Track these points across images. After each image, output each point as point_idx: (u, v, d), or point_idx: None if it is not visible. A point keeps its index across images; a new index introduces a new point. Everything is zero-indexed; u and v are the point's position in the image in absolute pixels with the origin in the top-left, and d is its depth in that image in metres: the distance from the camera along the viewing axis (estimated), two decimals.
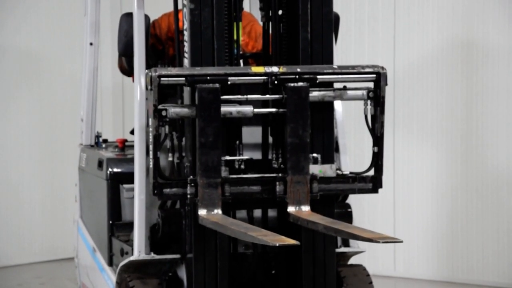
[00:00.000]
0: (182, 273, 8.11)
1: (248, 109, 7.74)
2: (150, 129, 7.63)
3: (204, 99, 7.63)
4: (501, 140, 11.70)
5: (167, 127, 7.59)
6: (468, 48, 11.81)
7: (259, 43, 8.98)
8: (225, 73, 7.66)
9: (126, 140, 9.62)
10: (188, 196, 7.62)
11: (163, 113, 7.52)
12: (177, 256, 8.04)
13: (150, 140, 7.63)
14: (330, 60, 8.17)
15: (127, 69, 9.20)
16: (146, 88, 7.65)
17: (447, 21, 11.95)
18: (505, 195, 11.54)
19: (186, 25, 8.04)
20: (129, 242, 8.55)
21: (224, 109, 7.63)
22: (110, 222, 9.13)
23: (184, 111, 7.65)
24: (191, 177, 7.56)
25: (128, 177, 8.69)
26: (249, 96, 7.77)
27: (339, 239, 8.44)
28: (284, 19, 8.21)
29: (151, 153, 7.62)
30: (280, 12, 8.11)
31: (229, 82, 7.58)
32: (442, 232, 11.96)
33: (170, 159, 8.14)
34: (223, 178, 7.68)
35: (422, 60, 12.03)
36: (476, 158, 11.77)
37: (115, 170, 9.18)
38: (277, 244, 6.56)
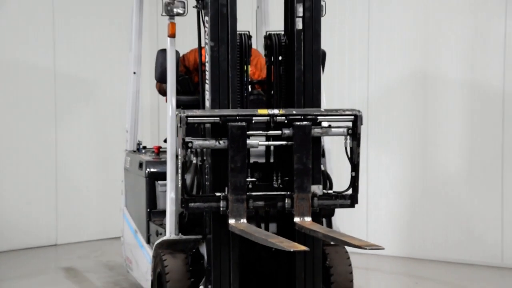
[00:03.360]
0: (203, 249, 8.27)
1: (263, 143, 8.15)
2: (179, 156, 7.86)
3: (234, 134, 7.90)
4: (449, 149, 11.70)
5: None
6: (426, 77, 11.78)
7: (263, 72, 9.06)
8: (237, 114, 7.93)
9: (160, 147, 9.71)
10: (221, 208, 7.88)
11: (189, 145, 7.79)
12: (199, 236, 8.30)
13: (179, 165, 7.85)
14: (318, 87, 8.43)
15: (162, 92, 9.17)
16: (177, 125, 7.89)
17: (410, 55, 11.92)
18: (450, 189, 11.56)
19: (207, 59, 8.23)
20: (162, 225, 8.68)
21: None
22: (148, 210, 9.27)
23: (206, 143, 7.91)
24: (223, 193, 7.84)
25: (162, 176, 8.98)
26: (269, 132, 8.05)
27: (324, 223, 8.70)
28: (283, 63, 8.40)
29: (179, 175, 7.84)
30: (280, 58, 8.30)
31: (253, 121, 7.91)
32: (403, 217, 11.96)
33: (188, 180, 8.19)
34: (248, 195, 7.95)
35: (390, 87, 12.00)
36: (430, 162, 11.76)
37: (152, 170, 9.31)
38: (292, 250, 6.98)
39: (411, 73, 11.97)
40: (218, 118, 7.93)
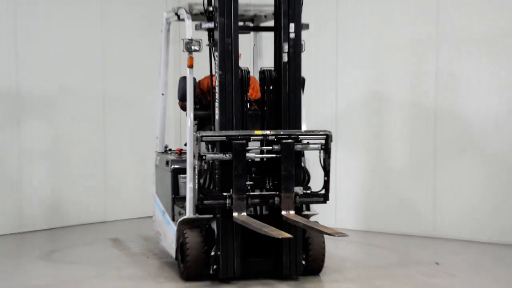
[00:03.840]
0: (214, 226, 8.48)
1: (258, 156, 8.37)
2: (196, 166, 8.14)
3: (237, 149, 8.18)
4: (396, 150, 11.64)
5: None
6: (379, 98, 11.75)
7: (258, 93, 9.03)
8: (239, 134, 8.23)
9: (181, 149, 9.67)
10: (227, 204, 8.17)
11: (204, 157, 8.12)
12: (211, 215, 8.45)
13: (196, 173, 8.16)
14: (299, 105, 8.70)
15: (183, 108, 9.15)
16: (194, 142, 8.19)
17: (367, 82, 11.88)
18: (397, 179, 11.67)
19: (217, 83, 8.46)
20: (184, 207, 8.65)
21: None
22: (173, 196, 9.27)
23: (215, 156, 8.25)
24: (229, 193, 8.16)
25: (183, 171, 9.04)
26: (262, 148, 8.35)
27: (304, 207, 8.81)
28: (273, 90, 8.68)
29: (196, 180, 8.16)
30: (271, 87, 8.59)
31: (251, 140, 8.30)
32: (362, 200, 11.97)
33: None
34: (247, 195, 8.21)
35: (352, 105, 12.02)
36: (382, 160, 11.78)
37: (176, 166, 9.35)
38: (280, 237, 7.52)
39: (368, 95, 11.94)
40: (224, 137, 8.22)
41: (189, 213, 8.46)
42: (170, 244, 9.08)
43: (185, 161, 8.88)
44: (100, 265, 9.45)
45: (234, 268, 8.30)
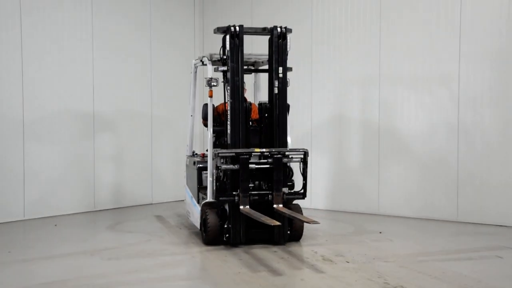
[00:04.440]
0: (226, 207, 8.36)
1: (257, 166, 8.43)
2: (214, 174, 8.34)
3: (242, 162, 8.26)
4: (352, 154, 11.57)
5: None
6: (340, 117, 11.63)
7: (257, 115, 8.97)
8: (243, 151, 8.32)
9: (204, 153, 9.54)
10: (236, 199, 8.24)
11: (219, 167, 8.23)
12: (225, 198, 8.27)
13: (214, 178, 8.31)
14: (285, 124, 8.74)
15: (205, 125, 9.15)
16: (213, 156, 8.42)
17: (332, 104, 11.78)
18: (353, 174, 11.42)
19: (228, 108, 8.48)
20: (206, 194, 8.70)
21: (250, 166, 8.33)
22: (198, 186, 9.24)
23: (228, 167, 8.26)
24: (237, 192, 8.24)
25: (205, 168, 9.05)
26: (260, 161, 8.43)
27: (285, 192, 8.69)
28: (267, 117, 8.80)
29: (214, 182, 8.31)
30: (266, 114, 8.75)
31: (252, 155, 8.35)
32: (330, 188, 11.81)
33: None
34: (249, 194, 8.32)
35: (323, 121, 12.00)
36: (343, 160, 11.62)
37: (200, 165, 9.32)
38: (272, 224, 7.51)
39: (333, 116, 11.85)
40: (234, 153, 8.29)
41: (209, 198, 8.49)
42: (196, 220, 9.06)
43: (206, 161, 8.84)
44: (148, 234, 9.44)
45: (240, 236, 8.34)
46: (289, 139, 8.73)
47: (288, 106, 8.69)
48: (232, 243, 8.32)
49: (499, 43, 9.95)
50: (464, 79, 10.30)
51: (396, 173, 11.10)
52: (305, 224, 8.54)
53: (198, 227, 8.81)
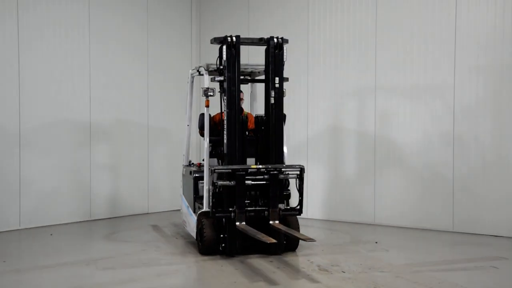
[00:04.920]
0: (221, 218, 8.32)
1: (254, 182, 8.37)
2: (210, 190, 8.25)
3: (238, 178, 8.22)
4: (348, 163, 11.58)
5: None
6: (336, 128, 11.65)
7: (253, 125, 9.01)
8: (240, 167, 8.28)
9: (200, 163, 9.55)
10: (232, 215, 8.18)
11: (216, 183, 8.14)
12: (220, 209, 8.25)
13: (210, 194, 8.22)
14: (281, 133, 8.72)
15: (202, 135, 9.17)
16: (209, 173, 8.45)
17: (327, 117, 11.81)
18: (349, 183, 11.47)
19: (225, 117, 8.45)
20: (202, 204, 8.71)
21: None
22: (194, 195, 9.25)
23: (224, 183, 8.17)
24: (233, 208, 8.17)
25: (201, 178, 8.99)
26: (256, 177, 8.35)
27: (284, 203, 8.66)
28: (263, 129, 8.84)
29: (211, 198, 8.20)
30: (262, 127, 8.81)
31: (249, 170, 8.30)
32: (325, 197, 11.81)
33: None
34: (246, 210, 8.29)
35: (319, 132, 11.91)
36: (338, 169, 11.63)
37: (196, 175, 9.28)
38: (268, 242, 7.47)
39: (329, 125, 11.86)
40: (230, 170, 8.22)
41: (205, 208, 8.49)
42: (192, 229, 9.04)
43: (203, 171, 8.84)
44: (144, 243, 9.43)
45: (236, 246, 8.30)
46: (285, 149, 8.74)
47: (285, 116, 8.69)
48: (228, 253, 8.30)
49: (493, 55, 9.99)
50: (459, 90, 10.33)
51: (392, 183, 11.09)
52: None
53: (194, 236, 8.79)
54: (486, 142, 10.09)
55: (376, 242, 9.45)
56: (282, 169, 8.38)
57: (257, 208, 8.38)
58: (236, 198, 8.20)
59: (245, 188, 8.27)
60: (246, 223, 8.20)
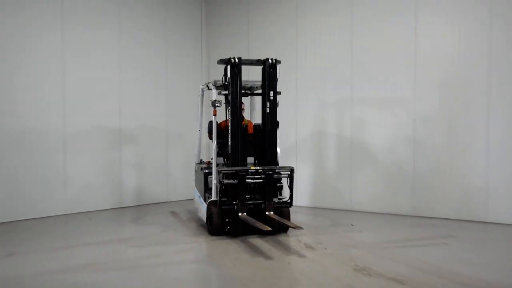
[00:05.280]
0: (226, 206, 8.24)
1: (253, 181, 8.34)
2: (218, 187, 8.20)
3: (240, 178, 8.18)
4: (329, 161, 11.50)
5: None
6: (320, 131, 11.62)
7: (252, 130, 8.91)
8: (241, 169, 8.18)
9: (209, 161, 9.51)
10: (235, 207, 8.12)
11: (222, 182, 8.10)
12: (225, 199, 8.18)
13: (218, 190, 8.18)
14: (275, 137, 8.54)
15: (210, 138, 9.08)
16: (217, 174, 8.35)
17: (312, 124, 11.76)
18: (331, 177, 11.29)
19: (229, 124, 8.45)
20: (211, 194, 8.61)
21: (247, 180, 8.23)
22: (204, 187, 9.10)
23: (228, 182, 8.11)
24: (236, 201, 8.14)
25: (210, 173, 8.94)
26: (255, 176, 8.30)
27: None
28: (260, 135, 8.76)
29: (218, 194, 8.16)
30: (260, 134, 8.74)
31: (249, 171, 8.20)
32: (311, 188, 11.73)
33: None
34: (247, 203, 8.24)
35: (305, 135, 11.83)
36: (321, 166, 11.55)
37: (206, 171, 9.18)
38: (264, 229, 7.40)
39: (314, 131, 11.79)
40: (234, 171, 8.14)
41: (213, 197, 8.45)
42: (203, 215, 9.01)
43: (211, 168, 8.84)
44: (164, 226, 9.40)
45: (239, 229, 8.28)
46: (278, 150, 8.69)
47: (278, 123, 8.66)
48: (232, 234, 8.27)
49: (447, 74, 9.98)
50: (418, 102, 10.35)
51: (364, 177, 11.07)
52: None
53: (205, 221, 8.77)
54: (440, 145, 10.12)
55: (352, 225, 9.44)
56: (276, 170, 8.31)
57: (256, 202, 8.31)
58: (239, 194, 8.15)
59: (246, 185, 8.22)
60: (247, 214, 8.18)
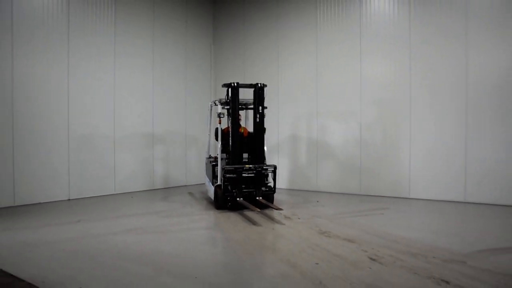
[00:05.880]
0: (229, 187, 8.05)
1: (247, 175, 8.00)
2: (222, 179, 7.93)
3: (238, 172, 7.89)
4: (302, 157, 11.35)
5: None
6: (295, 134, 11.51)
7: (246, 133, 8.63)
8: (240, 166, 7.92)
9: (216, 157, 9.26)
10: (234, 194, 7.90)
11: (225, 176, 7.82)
12: (227, 183, 7.94)
13: (222, 182, 7.92)
14: (263, 140, 8.28)
15: (216, 139, 8.76)
16: (221, 171, 8.01)
17: (290, 128, 11.66)
18: (303, 167, 11.15)
19: (230, 130, 8.11)
20: (216, 180, 8.40)
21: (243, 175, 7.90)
22: (212, 175, 8.83)
23: (230, 176, 7.88)
24: (235, 190, 7.91)
25: (216, 165, 8.60)
26: (248, 172, 7.98)
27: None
28: (252, 138, 8.48)
29: (223, 183, 7.87)
30: (252, 137, 8.45)
31: (244, 168, 7.92)
32: (288, 175, 11.65)
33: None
34: (242, 191, 7.97)
35: (284, 137, 11.78)
36: (296, 160, 11.42)
37: (213, 163, 8.90)
38: (255, 211, 7.24)
39: (290, 134, 11.69)
40: (233, 168, 7.90)
41: (219, 182, 8.34)
42: (211, 194, 8.90)
43: (217, 161, 8.68)
44: (183, 203, 9.31)
45: (237, 205, 8.19)
46: (265, 149, 8.63)
47: (265, 129, 8.62)
48: (232, 209, 8.23)
49: (384, 94, 10.07)
50: (363, 114, 10.39)
51: (326, 167, 11.02)
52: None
53: (213, 199, 8.71)
54: (378, 144, 10.19)
55: (317, 201, 9.42)
56: (264, 167, 8.11)
57: (249, 190, 8.10)
58: (237, 184, 8.01)
59: (242, 178, 8.02)
60: (243, 199, 8.09)
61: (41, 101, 9.19)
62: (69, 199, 9.58)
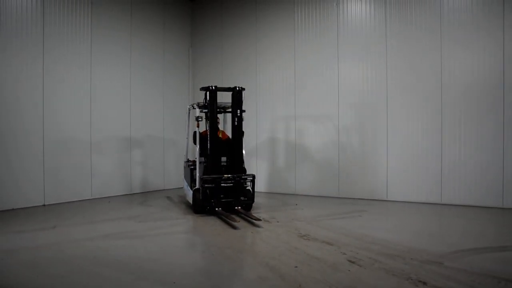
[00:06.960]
0: (207, 194, 8.01)
1: (225, 185, 7.93)
2: (200, 189, 7.85)
3: (216, 182, 7.86)
4: (280, 159, 11.40)
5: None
6: (273, 137, 11.52)
7: (224, 136, 8.60)
8: (219, 176, 7.86)
9: (194, 160, 9.15)
10: (213, 204, 7.82)
11: (203, 186, 7.77)
12: (206, 200, 7.95)
13: (200, 192, 7.80)
14: (241, 144, 8.21)
15: (195, 143, 8.65)
16: (200, 181, 7.93)
17: (270, 131, 11.68)
18: (281, 171, 11.21)
19: (209, 133, 8.18)
20: (195, 184, 8.37)
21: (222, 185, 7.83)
22: (190, 179, 8.81)
23: (208, 185, 7.81)
24: (213, 199, 7.83)
25: (195, 169, 8.54)
26: (227, 181, 7.92)
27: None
28: (231, 143, 8.40)
29: (200, 195, 7.78)
30: (230, 141, 8.46)
31: (223, 178, 7.87)
32: (267, 178, 11.66)
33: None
34: (221, 200, 7.89)
35: (263, 140, 11.77)
36: (275, 163, 11.42)
37: (192, 167, 8.86)
38: (234, 222, 6.99)
39: (269, 137, 11.73)
40: (211, 178, 7.82)
41: (197, 186, 8.28)
42: (190, 198, 8.81)
43: (195, 164, 8.65)
44: (161, 207, 9.26)
45: (215, 208, 8.07)
46: (244, 151, 8.58)
47: (243, 132, 8.61)
48: (211, 213, 8.18)
49: (359, 98, 10.21)
50: (341, 117, 10.50)
51: (305, 170, 11.08)
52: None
53: (191, 203, 8.63)
54: (356, 146, 10.30)
55: (296, 204, 9.45)
56: (242, 177, 8.00)
57: (228, 200, 8.00)
58: (215, 194, 7.90)
59: (220, 188, 7.94)
60: (222, 209, 7.97)
61: (15, 106, 8.97)
62: (44, 205, 9.36)
